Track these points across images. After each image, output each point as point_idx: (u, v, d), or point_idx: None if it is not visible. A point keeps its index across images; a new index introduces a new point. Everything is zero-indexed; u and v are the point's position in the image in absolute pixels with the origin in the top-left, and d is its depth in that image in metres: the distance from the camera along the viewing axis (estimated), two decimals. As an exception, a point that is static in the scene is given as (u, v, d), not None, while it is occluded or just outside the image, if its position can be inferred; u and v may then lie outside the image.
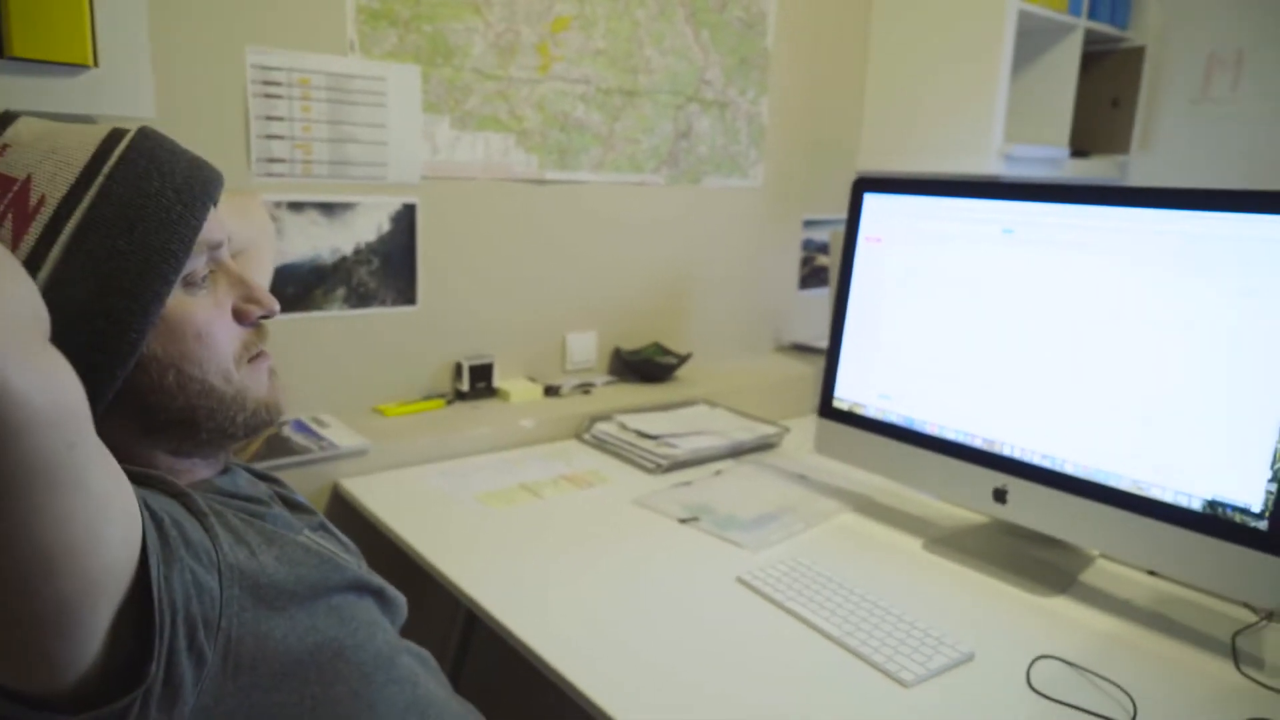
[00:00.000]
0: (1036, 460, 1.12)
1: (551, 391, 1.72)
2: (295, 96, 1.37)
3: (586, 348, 1.82)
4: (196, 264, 0.62)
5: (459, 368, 1.64)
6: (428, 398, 1.61)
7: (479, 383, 1.65)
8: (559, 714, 1.10)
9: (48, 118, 1.06)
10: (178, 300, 0.61)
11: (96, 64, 0.91)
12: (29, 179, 0.56)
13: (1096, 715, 0.85)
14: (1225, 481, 0.96)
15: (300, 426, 1.42)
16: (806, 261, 2.20)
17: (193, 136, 1.31)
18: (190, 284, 0.62)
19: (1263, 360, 0.93)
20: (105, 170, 0.58)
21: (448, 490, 1.34)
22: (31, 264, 0.55)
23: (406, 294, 1.56)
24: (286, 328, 1.43)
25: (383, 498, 1.30)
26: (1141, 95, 2.24)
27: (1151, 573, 1.16)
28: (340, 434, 1.40)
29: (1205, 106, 2.19)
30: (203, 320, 0.62)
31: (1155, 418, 1.01)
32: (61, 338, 0.52)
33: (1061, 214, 1.10)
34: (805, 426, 1.72)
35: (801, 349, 2.18)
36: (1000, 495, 1.16)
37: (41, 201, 0.56)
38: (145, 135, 0.61)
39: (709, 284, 2.01)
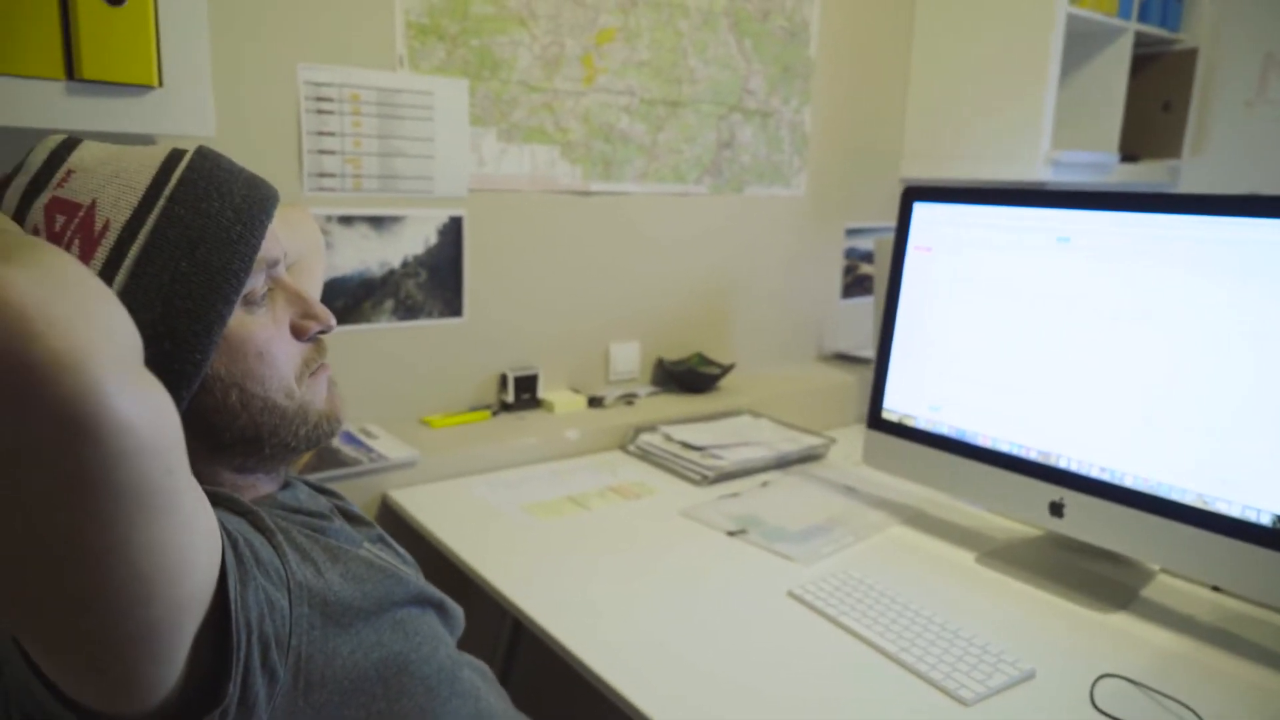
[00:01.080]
0: (1095, 473, 1.10)
1: (595, 402, 1.73)
2: (346, 112, 1.39)
3: (630, 358, 1.82)
4: (256, 282, 0.63)
5: (504, 379, 1.65)
6: (473, 409, 1.62)
7: (523, 394, 1.66)
8: (605, 715, 1.10)
9: (113, 138, 1.10)
10: (238, 319, 0.61)
11: (161, 84, 0.94)
12: (94, 204, 0.57)
13: (1164, 737, 0.83)
14: (1296, 496, 0.93)
15: (349, 438, 1.44)
16: (849, 270, 2.18)
17: (248, 153, 1.34)
18: (250, 302, 0.63)
19: (1335, 371, 0.90)
20: (166, 193, 0.59)
21: (494, 501, 1.35)
22: None
23: (453, 305, 1.57)
24: (335, 340, 1.44)
25: (431, 509, 1.31)
26: (1194, 98, 2.19)
27: (1215, 588, 1.13)
28: (389, 445, 1.42)
29: (1260, 109, 2.14)
30: (263, 338, 0.63)
31: (1221, 430, 0.99)
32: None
33: (1118, 221, 1.08)
34: (850, 436, 1.71)
35: (844, 358, 2.16)
36: (1057, 509, 1.14)
37: (106, 226, 0.57)
38: (203, 155, 0.62)
39: (751, 293, 2.00)
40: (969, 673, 0.92)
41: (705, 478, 1.47)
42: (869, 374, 1.38)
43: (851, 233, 2.15)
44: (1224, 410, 0.98)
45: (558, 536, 1.24)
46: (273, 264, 0.65)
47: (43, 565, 0.42)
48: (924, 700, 0.89)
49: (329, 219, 1.41)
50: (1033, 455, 1.16)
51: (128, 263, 0.56)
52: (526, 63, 1.56)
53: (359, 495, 1.35)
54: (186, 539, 0.47)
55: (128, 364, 0.43)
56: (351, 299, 1.46)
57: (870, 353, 2.04)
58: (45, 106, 0.87)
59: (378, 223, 1.46)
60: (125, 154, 0.61)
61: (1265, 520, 0.95)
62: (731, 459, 1.51)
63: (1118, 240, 1.08)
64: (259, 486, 0.69)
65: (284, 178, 1.36)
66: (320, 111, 1.37)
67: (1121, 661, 0.96)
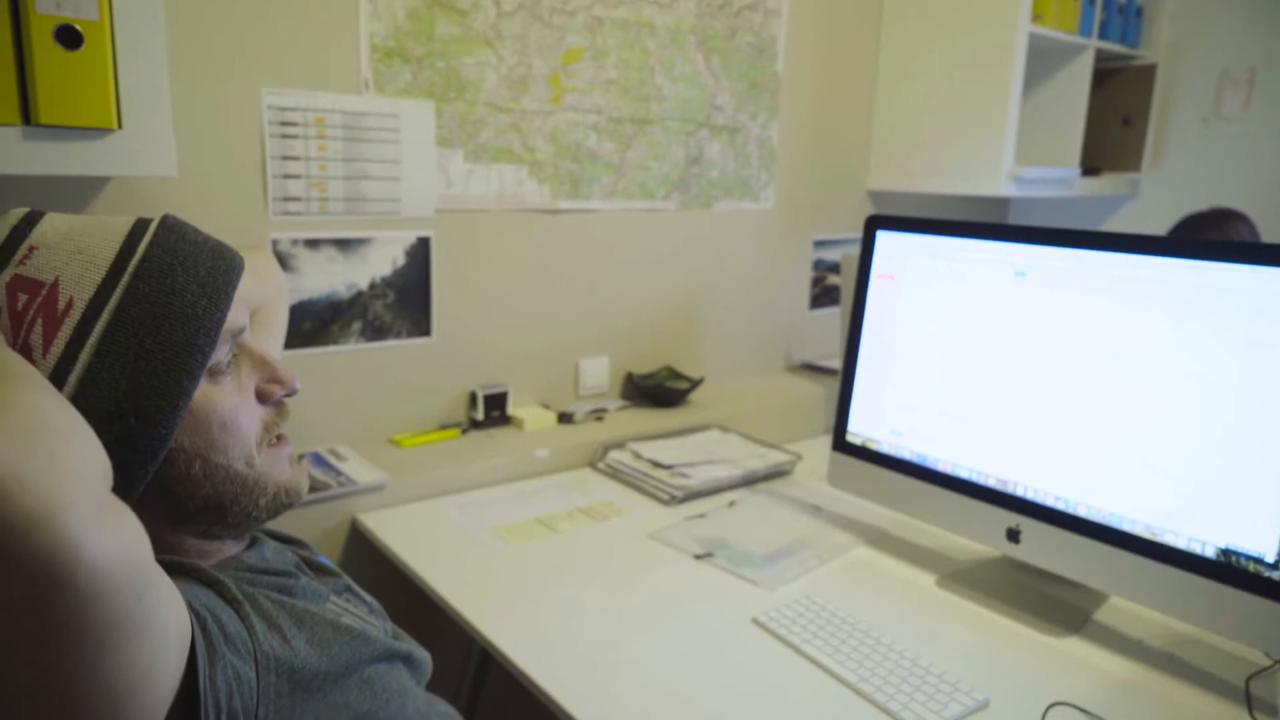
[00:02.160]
0: (1050, 502, 1.13)
1: (565, 418, 1.74)
2: (311, 135, 1.38)
3: (599, 373, 1.83)
4: (220, 353, 0.63)
5: (473, 396, 1.66)
6: (443, 427, 1.63)
7: (493, 411, 1.67)
8: None
9: (73, 182, 1.09)
10: (203, 391, 0.61)
11: (121, 126, 0.93)
12: (56, 281, 0.57)
13: (1111, 767, 0.86)
14: (1239, 530, 0.96)
15: (318, 460, 1.44)
16: (817, 281, 2.20)
17: (212, 181, 1.34)
18: (215, 373, 0.63)
19: (1272, 411, 0.93)
20: (130, 269, 0.58)
21: (464, 525, 1.36)
22: (63, 366, 0.55)
23: (421, 325, 1.57)
24: (304, 362, 1.44)
25: (400, 533, 1.32)
26: (1153, 113, 2.23)
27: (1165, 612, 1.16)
28: (357, 468, 1.42)
29: (1217, 125, 2.18)
30: (227, 409, 0.63)
31: (1168, 465, 1.02)
32: (105, 430, 0.54)
33: (1074, 259, 1.11)
34: (816, 449, 1.74)
35: (812, 368, 2.19)
36: (1013, 535, 1.17)
37: (70, 304, 0.56)
38: (168, 228, 0.62)
39: (720, 306, 2.02)
40: (925, 703, 0.95)
41: (673, 497, 1.48)
42: (836, 384, 1.40)
43: (820, 244, 2.18)
44: (1173, 446, 1.02)
45: (527, 562, 1.25)
46: (238, 332, 0.65)
47: (16, 694, 0.43)
48: (882, 732, 0.92)
49: (295, 243, 1.40)
50: (991, 482, 1.19)
51: (91, 340, 0.56)
52: (493, 83, 1.56)
53: (328, 520, 1.35)
54: (159, 648, 0.47)
55: (98, 503, 0.44)
56: (319, 321, 1.46)
57: (837, 363, 2.07)
58: (3, 153, 0.86)
59: (345, 245, 1.46)
60: (88, 228, 0.60)
61: (1209, 553, 0.98)
62: (699, 478, 1.53)
63: (1072, 277, 1.11)
64: (224, 550, 0.70)
65: (249, 202, 1.35)
66: (285, 136, 1.36)
67: (1073, 689, 0.99)
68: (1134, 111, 2.24)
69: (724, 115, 1.90)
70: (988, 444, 1.20)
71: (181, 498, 0.62)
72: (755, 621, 1.11)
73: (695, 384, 1.87)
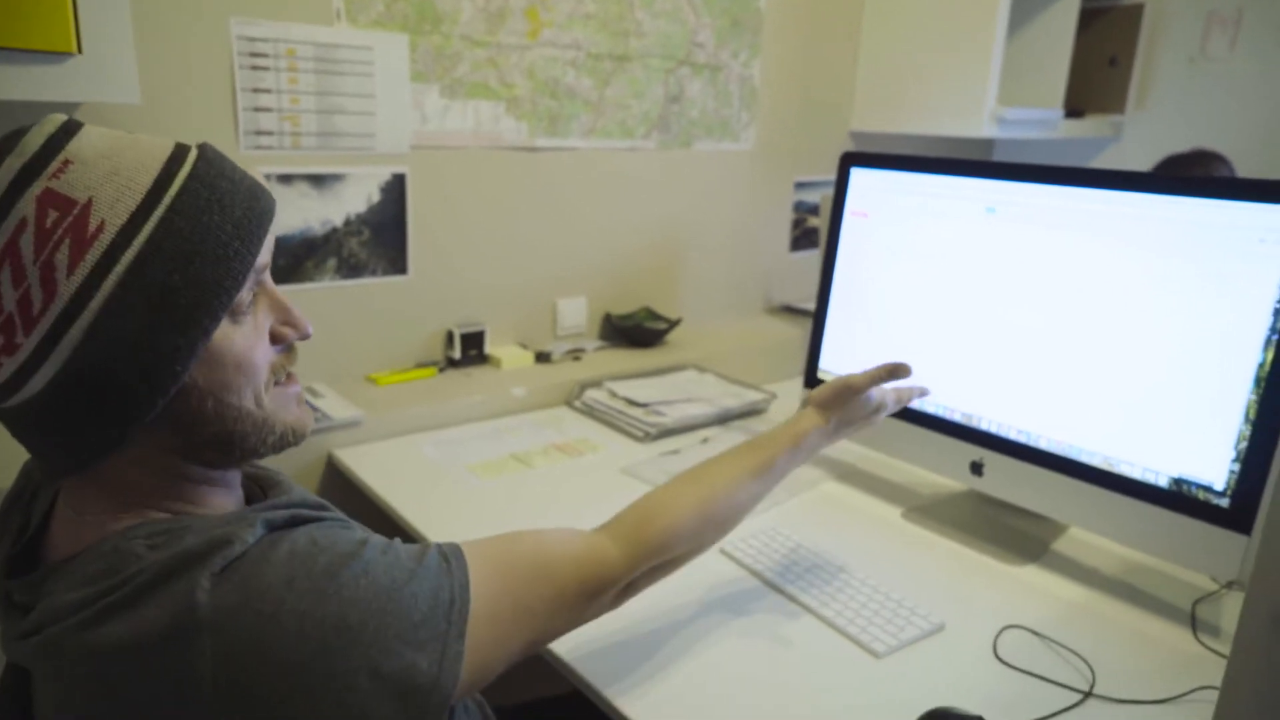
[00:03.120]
0: (1012, 435, 1.15)
1: (542, 358, 1.75)
2: (282, 68, 1.36)
3: (577, 313, 1.84)
4: (244, 293, 0.61)
5: (450, 335, 1.66)
6: (420, 366, 1.64)
7: (470, 350, 1.67)
8: (546, 679, 1.15)
9: (33, 106, 1.07)
10: (222, 330, 0.60)
11: (80, 50, 0.91)
12: (90, 202, 0.55)
13: (1056, 684, 0.90)
14: (1191, 460, 0.99)
15: (295, 396, 1.45)
16: (798, 223, 2.20)
17: (180, 112, 1.32)
18: (236, 313, 0.61)
19: (1229, 345, 0.95)
20: (166, 200, 0.57)
21: (439, 460, 1.38)
22: (85, 292, 0.54)
23: (397, 263, 1.57)
24: (279, 299, 1.44)
25: (376, 469, 1.34)
26: (1139, 54, 2.22)
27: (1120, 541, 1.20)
28: (334, 405, 1.43)
29: (1203, 65, 2.17)
30: (243, 349, 0.62)
31: (1127, 397, 1.04)
32: (109, 366, 0.55)
33: (1044, 195, 1.11)
34: (792, 390, 1.76)
35: (791, 310, 2.20)
36: (977, 468, 1.19)
37: (101, 228, 0.54)
38: (208, 161, 0.60)
39: (700, 248, 2.02)
40: (883, 626, 0.98)
41: (648, 434, 1.50)
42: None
43: (801, 186, 2.17)
44: (1129, 379, 1.04)
45: (501, 496, 1.27)
46: (261, 271, 0.63)
47: None
48: (839, 652, 0.95)
49: (268, 177, 1.39)
50: (956, 417, 1.21)
51: (118, 269, 0.55)
52: (469, 16, 1.53)
53: (305, 455, 1.37)
54: None
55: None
56: (293, 258, 1.45)
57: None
58: (-42, 76, 0.85)
59: (318, 181, 1.45)
60: (127, 147, 0.58)
61: (1163, 483, 1.01)
62: (674, 416, 1.54)
63: (1041, 213, 1.12)
64: (216, 499, 0.68)
65: (219, 136, 1.34)
66: (255, 68, 1.34)
67: (1027, 613, 1.03)
68: (1120, 52, 2.22)
69: (705, 53, 1.87)
70: (954, 380, 1.21)
71: (191, 431, 0.61)
72: (722, 551, 1.14)
73: (673, 325, 1.88)
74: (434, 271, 1.62)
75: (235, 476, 0.69)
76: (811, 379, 1.40)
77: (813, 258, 2.24)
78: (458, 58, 1.54)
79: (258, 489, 0.75)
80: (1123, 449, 1.05)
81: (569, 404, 1.65)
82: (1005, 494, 1.17)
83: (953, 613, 1.02)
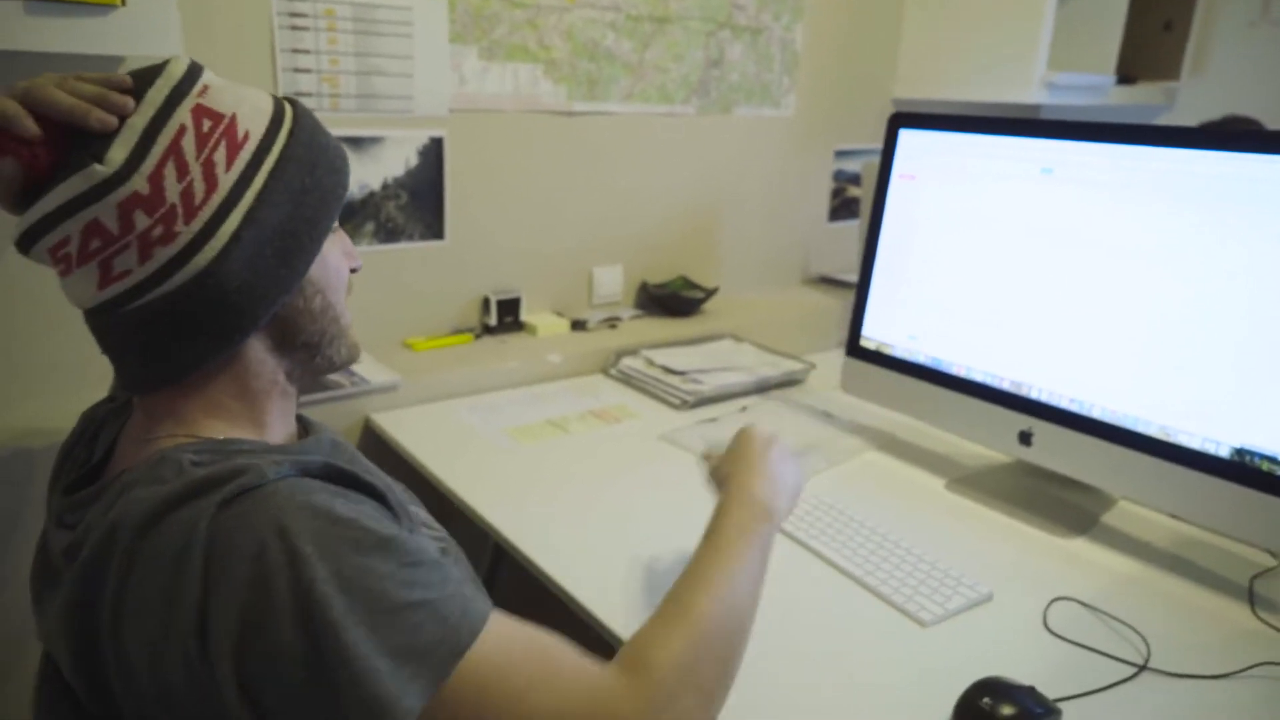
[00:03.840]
0: (1064, 404, 1.12)
1: (578, 326, 1.73)
2: (321, 29, 1.35)
3: (613, 281, 1.82)
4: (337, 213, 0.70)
5: (486, 302, 1.65)
6: (456, 332, 1.63)
7: (506, 317, 1.67)
8: (583, 641, 1.14)
9: (77, 59, 1.07)
10: (329, 239, 0.69)
11: (124, 3, 0.91)
12: (235, 116, 0.63)
13: (1110, 656, 0.87)
14: (1254, 430, 0.95)
15: (333, 360, 1.45)
16: (837, 193, 2.16)
17: (221, 71, 1.30)
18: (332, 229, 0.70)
19: (1302, 309, 0.91)
20: (288, 121, 0.66)
21: (477, 425, 1.37)
22: (241, 185, 0.62)
23: (434, 228, 1.56)
24: (317, 263, 1.44)
25: (413, 432, 1.33)
26: (1196, 17, 2.14)
27: (1174, 515, 1.16)
28: (371, 369, 1.43)
29: (1264, 29, 2.09)
30: (338, 257, 0.71)
31: (1187, 364, 1.00)
32: (260, 248, 0.62)
33: (1102, 154, 1.08)
34: (831, 361, 1.72)
35: (829, 281, 2.17)
36: (1025, 438, 1.16)
37: (247, 136, 0.63)
38: (298, 104, 0.69)
39: (737, 216, 1.98)
40: (930, 595, 0.96)
41: (685, 402, 1.49)
42: (853, 298, 1.39)
43: (841, 154, 2.13)
44: (1189, 345, 1.00)
45: (538, 460, 1.27)
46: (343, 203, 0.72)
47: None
48: (885, 621, 0.93)
49: (306, 139, 1.38)
50: (1005, 385, 1.18)
51: (266, 167, 0.63)
52: (507, -24, 1.51)
53: (342, 419, 1.37)
54: None
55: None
56: (331, 221, 1.45)
57: (856, 277, 2.04)
58: (4, 28, 0.84)
59: (356, 143, 1.44)
60: (243, 87, 0.66)
61: (1224, 453, 0.97)
62: (711, 384, 1.53)
63: (1100, 173, 1.08)
64: (276, 424, 0.70)
65: (258, 97, 1.33)
66: (295, 29, 1.33)
67: (1077, 585, 1.00)
68: (1175, 16, 2.14)
69: (746, 15, 1.83)
70: (1004, 346, 1.18)
71: (295, 327, 0.68)
72: (763, 518, 1.12)
73: (710, 294, 1.86)
74: (471, 237, 1.61)
75: (293, 406, 0.74)
76: (854, 346, 1.38)
77: (852, 228, 2.20)
78: (496, 19, 1.52)
79: (301, 428, 0.77)
80: (1181, 418, 1.01)
81: (605, 372, 1.64)
82: (1055, 464, 1.14)
83: (1001, 583, 0.99)
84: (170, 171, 0.60)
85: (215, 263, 0.60)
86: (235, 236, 0.61)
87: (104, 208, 0.58)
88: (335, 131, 1.38)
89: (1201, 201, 0.99)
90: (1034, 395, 1.15)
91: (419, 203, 1.53)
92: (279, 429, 0.71)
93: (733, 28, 1.82)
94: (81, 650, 0.57)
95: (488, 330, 1.66)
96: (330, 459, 0.63)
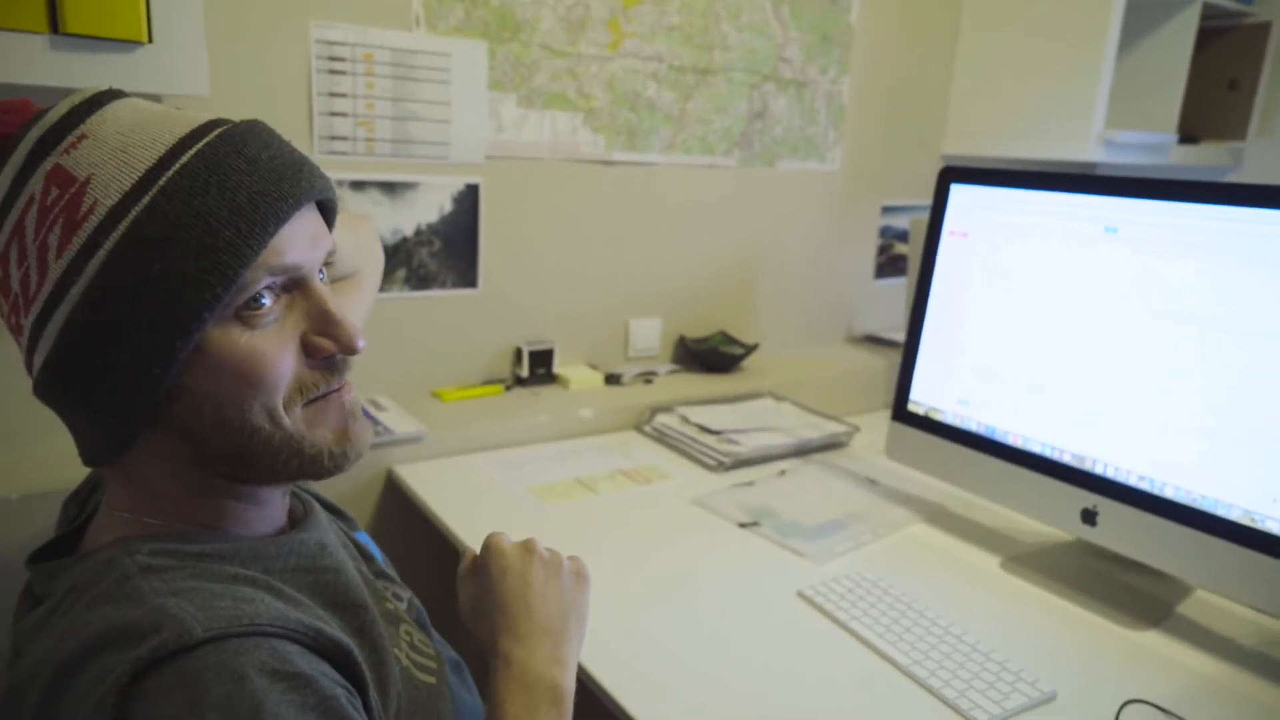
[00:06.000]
0: (1132, 481, 1.03)
1: (612, 380, 1.68)
2: (359, 73, 1.34)
3: (650, 335, 1.77)
4: (254, 290, 0.54)
5: (519, 352, 1.61)
6: (487, 382, 1.58)
7: (539, 368, 1.61)
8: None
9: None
10: (223, 332, 0.53)
11: (151, 40, 0.89)
12: (88, 180, 0.51)
13: (1193, 774, 0.77)
14: (1355, 519, 0.85)
15: (357, 409, 1.41)
16: (884, 249, 2.10)
17: (256, 113, 1.29)
18: (248, 312, 0.54)
19: None
20: (161, 180, 0.51)
21: (500, 481, 1.31)
22: (69, 277, 0.51)
23: (467, 276, 1.53)
24: (346, 309, 1.41)
25: (435, 486, 1.28)
26: (1264, 76, 2.05)
27: (1260, 609, 1.05)
28: (396, 419, 1.38)
29: (1335, 89, 2.00)
30: (249, 357, 0.54)
31: (1272, 443, 0.91)
32: (90, 359, 0.51)
33: (1172, 212, 1.00)
34: (876, 423, 1.64)
35: (874, 341, 2.09)
36: (1090, 517, 1.07)
37: (92, 209, 0.50)
38: (230, 139, 0.54)
39: (780, 271, 1.93)
40: (985, 691, 0.87)
41: (721, 464, 1.41)
42: (899, 357, 1.31)
43: (888, 210, 2.07)
44: (1275, 422, 0.91)
45: (562, 522, 1.20)
46: (289, 271, 0.55)
47: None
48: (933, 718, 0.84)
49: (340, 184, 1.36)
50: (1067, 459, 1.09)
51: (100, 254, 0.50)
52: (549, 25, 1.49)
53: (364, 470, 1.32)
54: None
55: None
56: (362, 267, 1.42)
57: (902, 336, 1.96)
58: (28, 62, 0.83)
59: (390, 189, 1.41)
60: (148, 123, 0.53)
61: (1318, 543, 0.87)
62: (749, 445, 1.45)
63: (1169, 232, 1.00)
64: (269, 516, 0.62)
65: (294, 139, 1.31)
66: (332, 72, 1.32)
67: (1151, 685, 0.90)
68: (1241, 74, 2.06)
69: (791, 68, 1.80)
70: (1065, 416, 1.09)
71: (198, 439, 0.55)
72: (801, 595, 1.04)
73: (750, 350, 1.79)
74: (504, 286, 1.57)
75: (270, 494, 0.62)
76: (901, 410, 1.30)
77: (898, 286, 2.12)
78: (536, 67, 1.50)
79: (299, 509, 0.69)
80: (1268, 502, 0.91)
81: (638, 429, 1.58)
82: (1123, 547, 1.04)
83: (1065, 681, 0.90)
84: (14, 254, 0.52)
85: (49, 368, 0.52)
86: (58, 341, 0.51)
87: None
88: (369, 176, 1.37)
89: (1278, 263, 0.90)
90: (1099, 471, 1.06)
91: (452, 250, 1.50)
92: (251, 522, 0.61)
93: (778, 80, 1.78)
94: None
95: (519, 381, 1.61)
96: (279, 596, 0.54)
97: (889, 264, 2.11)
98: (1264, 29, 2.03)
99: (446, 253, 1.49)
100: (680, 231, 1.75)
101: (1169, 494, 0.99)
